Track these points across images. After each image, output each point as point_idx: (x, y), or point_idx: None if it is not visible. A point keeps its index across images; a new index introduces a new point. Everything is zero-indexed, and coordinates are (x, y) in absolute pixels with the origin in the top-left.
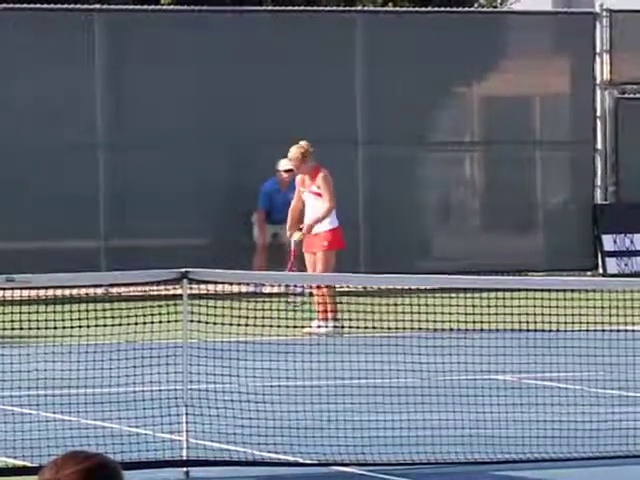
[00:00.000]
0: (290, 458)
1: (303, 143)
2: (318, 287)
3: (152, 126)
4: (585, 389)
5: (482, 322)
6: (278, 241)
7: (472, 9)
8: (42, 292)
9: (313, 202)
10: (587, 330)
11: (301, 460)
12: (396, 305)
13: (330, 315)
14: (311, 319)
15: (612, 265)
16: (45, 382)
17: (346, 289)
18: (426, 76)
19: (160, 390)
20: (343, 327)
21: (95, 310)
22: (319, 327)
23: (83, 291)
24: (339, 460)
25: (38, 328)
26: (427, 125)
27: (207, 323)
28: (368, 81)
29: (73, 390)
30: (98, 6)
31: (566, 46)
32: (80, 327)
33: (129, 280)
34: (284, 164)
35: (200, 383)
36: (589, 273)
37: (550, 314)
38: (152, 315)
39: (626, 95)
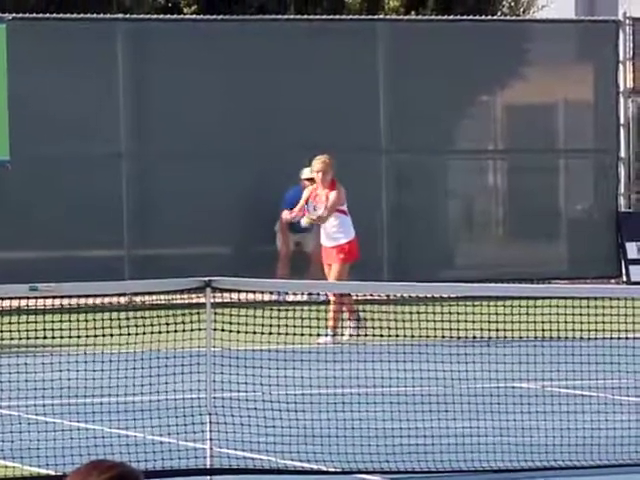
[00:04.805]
0: (314, 466)
1: (325, 157)
2: (338, 296)
3: (175, 135)
4: (609, 396)
5: (505, 330)
6: (301, 249)
7: (495, 17)
8: (66, 301)
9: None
10: (611, 338)
11: (325, 468)
12: (419, 313)
13: (332, 323)
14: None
15: (636, 273)
16: (69, 391)
17: (370, 297)
18: (449, 84)
19: (184, 399)
20: (343, 335)
21: (119, 319)
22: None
23: (107, 300)
24: (363, 468)
25: (62, 337)
26: (450, 133)
27: (230, 331)
28: (391, 89)
29: (97, 399)
30: (121, 16)
31: (589, 54)
32: (104, 336)
33: (153, 289)
34: (307, 173)
35: (224, 391)
36: (613, 281)
37: (574, 322)
38: (175, 324)
39: None
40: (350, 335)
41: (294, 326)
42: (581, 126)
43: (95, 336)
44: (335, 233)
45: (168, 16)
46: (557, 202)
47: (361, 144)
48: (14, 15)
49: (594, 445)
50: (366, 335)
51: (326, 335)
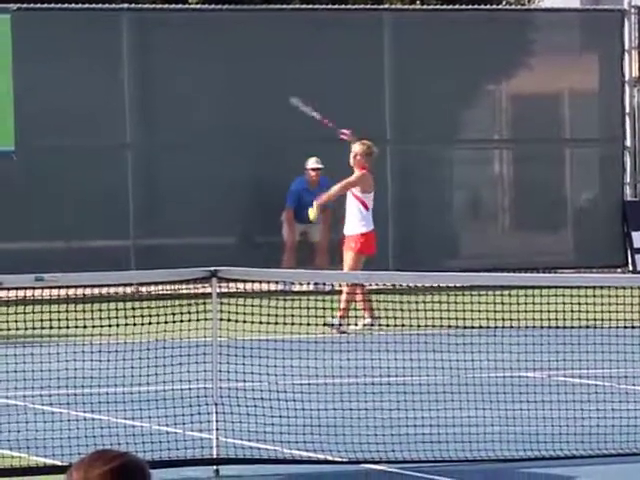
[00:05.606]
0: (320, 456)
1: (369, 143)
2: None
3: (180, 126)
4: (615, 386)
5: (511, 319)
6: (307, 239)
7: (500, 7)
8: (71, 291)
9: (351, 203)
10: (617, 327)
11: (331, 458)
12: (425, 303)
13: (341, 313)
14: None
15: None
16: (75, 381)
17: (375, 287)
18: (454, 74)
19: (190, 388)
20: (349, 325)
21: (124, 309)
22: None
23: (113, 290)
24: (369, 458)
25: (68, 327)
26: (456, 123)
27: (237, 321)
28: (396, 80)
29: (103, 389)
30: (126, 5)
31: (594, 43)
32: (110, 326)
33: (159, 279)
34: (312, 162)
35: (230, 381)
36: (619, 270)
37: (579, 311)
38: (182, 314)
39: None
40: (364, 325)
41: (300, 316)
42: (587, 115)
43: (101, 326)
44: (355, 223)
45: (173, 6)
46: (563, 191)
47: (366, 134)
48: (19, 5)
49: (600, 434)
50: (372, 325)
51: (332, 325)
